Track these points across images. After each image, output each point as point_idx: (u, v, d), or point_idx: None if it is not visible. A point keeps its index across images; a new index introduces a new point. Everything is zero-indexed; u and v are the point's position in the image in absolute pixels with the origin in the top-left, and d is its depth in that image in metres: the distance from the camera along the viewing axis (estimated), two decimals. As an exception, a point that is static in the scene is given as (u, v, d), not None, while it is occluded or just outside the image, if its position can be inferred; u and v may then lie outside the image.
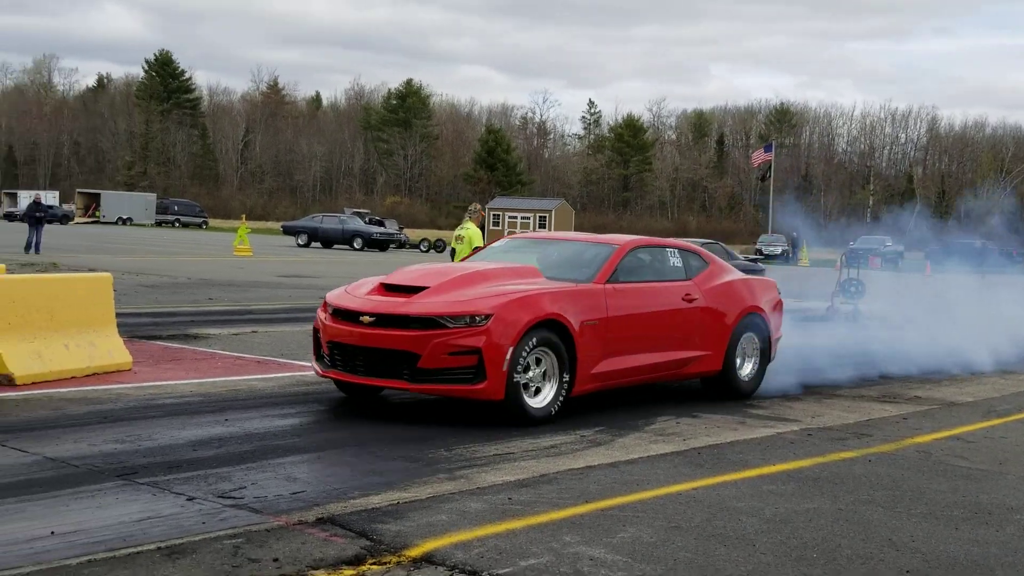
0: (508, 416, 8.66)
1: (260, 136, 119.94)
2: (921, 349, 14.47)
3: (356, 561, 5.24)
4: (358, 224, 57.08)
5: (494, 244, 11.40)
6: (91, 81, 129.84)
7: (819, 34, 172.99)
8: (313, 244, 55.56)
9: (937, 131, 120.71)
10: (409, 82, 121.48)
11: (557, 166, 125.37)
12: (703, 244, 24.15)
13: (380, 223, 61.89)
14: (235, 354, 12.48)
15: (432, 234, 69.78)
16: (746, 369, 11.08)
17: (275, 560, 5.18)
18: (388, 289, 9.21)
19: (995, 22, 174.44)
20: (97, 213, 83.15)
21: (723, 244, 24.59)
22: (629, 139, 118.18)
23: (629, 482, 7.13)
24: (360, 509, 6.13)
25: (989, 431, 9.94)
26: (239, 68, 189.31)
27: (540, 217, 72.71)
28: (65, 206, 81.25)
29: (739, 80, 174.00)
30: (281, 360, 12.19)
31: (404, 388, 8.70)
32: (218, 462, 7.10)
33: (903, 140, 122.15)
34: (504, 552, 5.46)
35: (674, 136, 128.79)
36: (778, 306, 11.70)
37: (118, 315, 11.41)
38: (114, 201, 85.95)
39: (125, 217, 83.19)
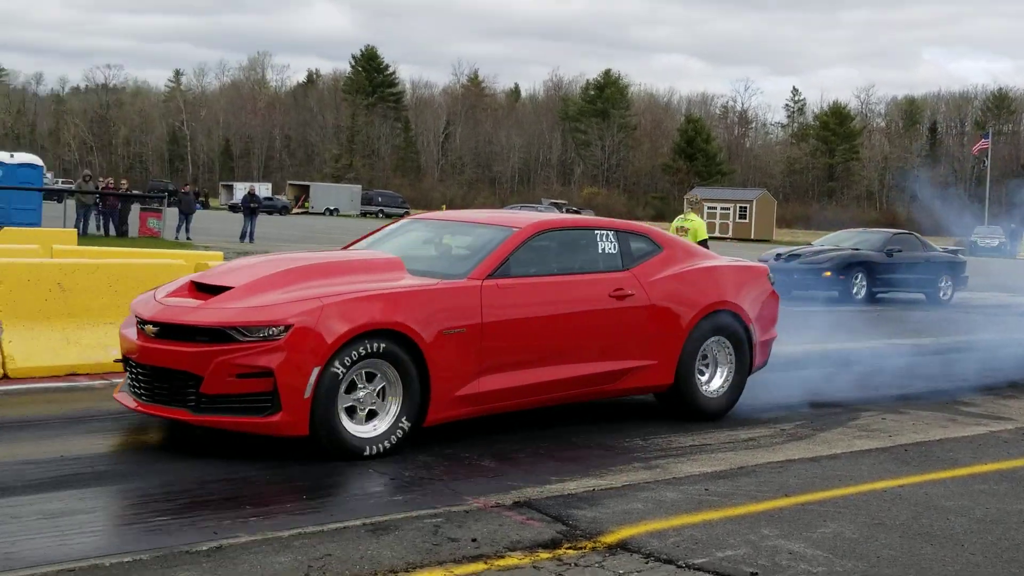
0: (325, 451, 6.70)
1: (460, 128, 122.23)
2: None
3: (552, 545, 5.31)
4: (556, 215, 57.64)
5: (385, 228, 9.07)
6: (301, 77, 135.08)
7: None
8: (512, 234, 56.26)
9: None
10: (607, 72, 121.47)
11: (759, 156, 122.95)
12: (895, 235, 22.93)
13: (577, 213, 62.17)
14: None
15: (629, 225, 69.47)
16: (713, 382, 8.69)
17: (473, 540, 5.30)
18: (198, 288, 7.24)
19: None
20: (306, 204, 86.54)
21: (918, 235, 23.40)
22: (835, 127, 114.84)
23: (831, 477, 6.96)
24: (556, 494, 6.20)
25: None
26: (441, 62, 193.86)
27: (740, 208, 71.43)
28: (280, 198, 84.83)
29: (953, 65, 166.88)
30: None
31: (187, 421, 6.73)
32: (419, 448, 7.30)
33: None
34: (700, 542, 5.42)
35: (883, 124, 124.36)
36: (768, 301, 9.19)
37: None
38: (322, 192, 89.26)
39: (332, 208, 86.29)
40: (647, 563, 5.11)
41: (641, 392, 8.46)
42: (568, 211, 61.79)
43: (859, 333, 14.70)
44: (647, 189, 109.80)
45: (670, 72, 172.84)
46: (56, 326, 9.51)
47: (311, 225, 57.95)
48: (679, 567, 5.07)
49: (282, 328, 6.56)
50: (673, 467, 7.01)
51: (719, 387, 8.70)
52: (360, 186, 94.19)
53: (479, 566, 4.97)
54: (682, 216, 15.50)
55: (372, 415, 6.87)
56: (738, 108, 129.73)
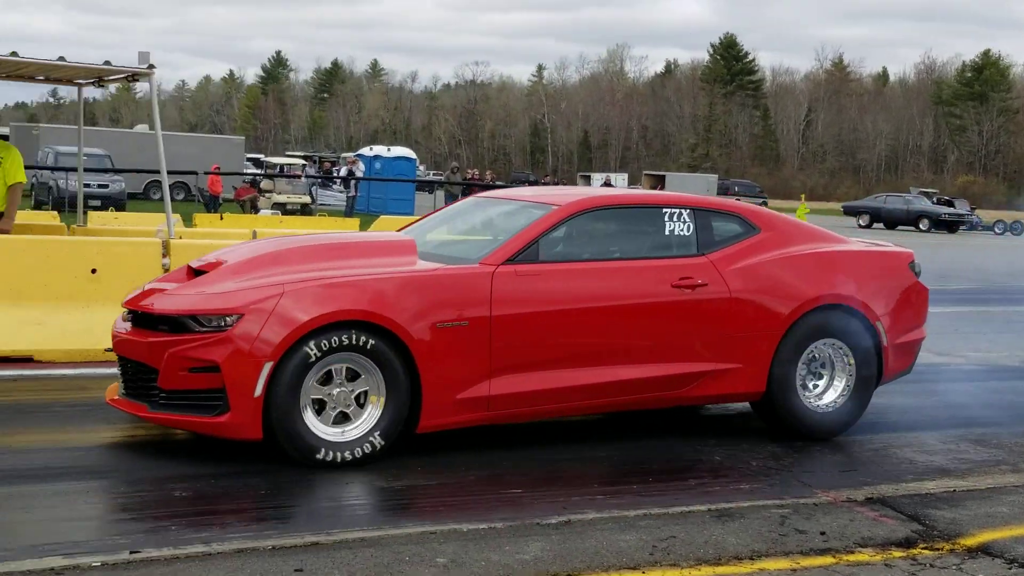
0: (288, 456, 5.92)
1: (822, 115, 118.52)
2: None
3: (906, 544, 5.10)
4: (924, 204, 54.70)
5: (451, 207, 8.36)
6: (659, 67, 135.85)
7: None
8: (875, 225, 54.01)
9: None
10: (986, 52, 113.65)
11: None
12: None
13: (949, 203, 58.69)
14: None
15: (1008, 215, 64.84)
16: (826, 395, 7.15)
17: (822, 533, 5.18)
18: (193, 272, 6.62)
19: None
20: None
21: None
22: None
23: None
24: (913, 493, 5.95)
25: None
26: (802, 47, 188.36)
27: None
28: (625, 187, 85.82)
29: None
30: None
31: (144, 417, 6.11)
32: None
33: None
34: (1074, 554, 5.01)
35: None
36: (908, 295, 7.51)
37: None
38: (678, 182, 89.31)
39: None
40: (1010, 569, 4.79)
41: (721, 401, 7.20)
42: (939, 201, 58.36)
43: None
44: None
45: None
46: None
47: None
48: (1048, 578, 4.72)
49: (235, 317, 5.86)
50: (1046, 472, 6.53)
51: (833, 400, 7.14)
52: (716, 176, 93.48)
53: (827, 559, 4.85)
54: None
55: (345, 417, 6.02)
56: None
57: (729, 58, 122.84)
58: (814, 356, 7.10)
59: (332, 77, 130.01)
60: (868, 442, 7.16)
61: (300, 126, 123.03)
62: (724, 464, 6.47)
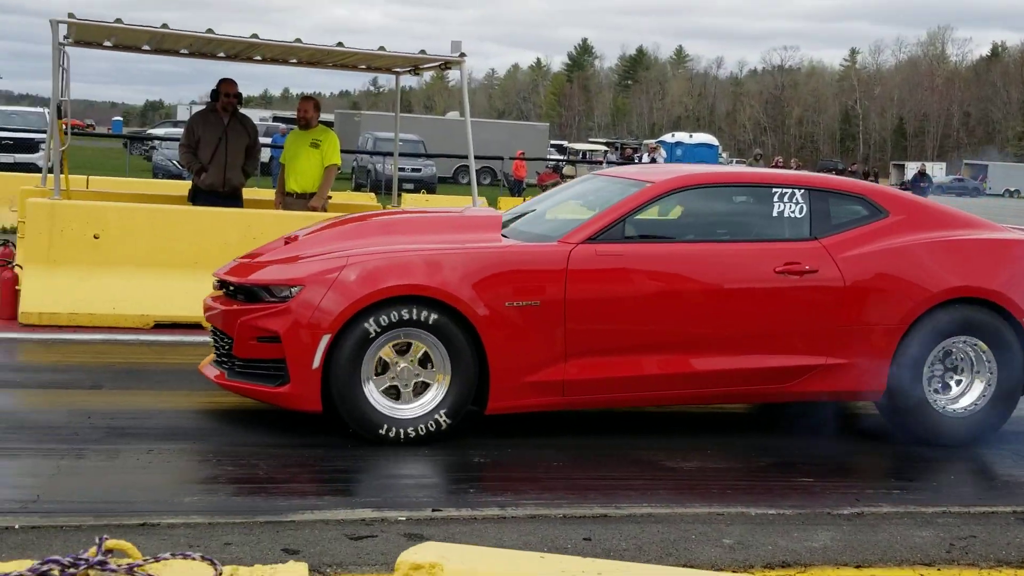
0: (357, 432, 5.81)
1: None
2: None
3: None
4: None
5: (576, 182, 7.93)
6: (984, 50, 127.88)
7: None
8: None
9: None
10: None
11: None
12: None
13: None
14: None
15: None
16: (963, 398, 6.42)
17: None
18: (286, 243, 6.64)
19: None
20: (984, 184, 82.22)
21: None
22: None
23: None
24: None
25: None
26: None
27: None
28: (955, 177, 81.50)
29: None
30: None
31: (221, 385, 6.13)
32: None
33: None
34: None
35: None
36: None
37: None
38: (1001, 172, 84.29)
39: (1012, 189, 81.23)
40: None
41: (834, 399, 6.59)
42: None
43: None
44: None
45: None
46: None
47: (985, 206, 54.85)
48: None
49: (297, 288, 5.82)
50: None
51: (970, 404, 6.41)
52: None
53: None
54: None
55: (410, 393, 5.86)
56: None
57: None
58: (947, 355, 6.43)
59: (636, 64, 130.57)
60: None
61: (603, 113, 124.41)
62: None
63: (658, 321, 6.09)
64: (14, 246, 9.56)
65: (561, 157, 46.02)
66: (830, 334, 6.24)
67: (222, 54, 10.54)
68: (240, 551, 4.21)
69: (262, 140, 12.98)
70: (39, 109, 29.71)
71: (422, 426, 5.81)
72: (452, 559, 2.30)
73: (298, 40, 9.70)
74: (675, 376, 6.13)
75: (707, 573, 2.31)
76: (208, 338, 6.66)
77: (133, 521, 4.36)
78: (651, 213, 6.45)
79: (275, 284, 5.91)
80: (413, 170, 33.41)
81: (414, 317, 5.76)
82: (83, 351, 7.95)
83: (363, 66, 11.27)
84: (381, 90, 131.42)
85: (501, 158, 33.04)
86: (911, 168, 79.34)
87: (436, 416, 5.82)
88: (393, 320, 5.74)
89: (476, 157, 10.83)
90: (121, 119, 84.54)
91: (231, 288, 6.15)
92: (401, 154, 15.30)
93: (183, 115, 60.94)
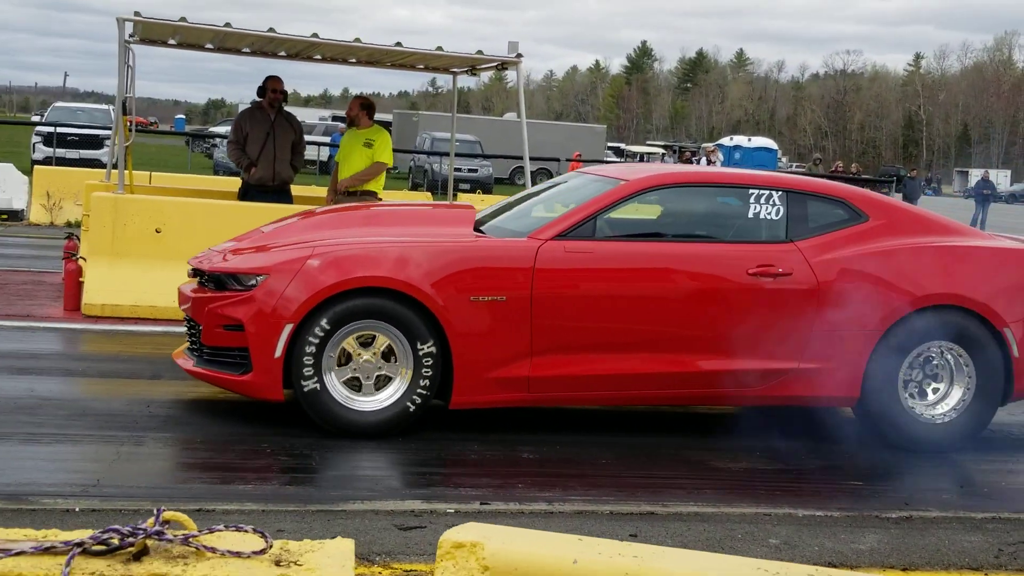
0: (320, 423, 5.79)
1: None
2: None
3: None
4: None
5: (559, 180, 7.65)
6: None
7: None
8: None
9: None
10: None
11: None
12: None
13: None
14: None
15: None
16: (939, 405, 6.29)
17: None
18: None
19: None
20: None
21: None
22: None
23: None
24: None
25: None
26: None
27: None
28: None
29: None
30: None
31: (188, 372, 6.14)
32: None
33: None
34: None
35: None
36: None
37: None
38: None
39: (1078, 197, 79.76)
40: None
41: (809, 403, 6.41)
42: None
43: None
44: None
45: None
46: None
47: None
48: None
49: (262, 277, 5.82)
50: None
51: (946, 412, 6.29)
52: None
53: None
54: None
55: (371, 385, 5.82)
56: None
57: None
58: (926, 362, 6.30)
59: (696, 67, 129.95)
60: None
61: (662, 115, 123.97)
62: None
63: (626, 320, 6.04)
64: (79, 239, 9.78)
65: (618, 159, 45.94)
66: (803, 338, 6.13)
67: (283, 53, 10.71)
68: (292, 538, 4.30)
69: (322, 139, 13.13)
70: (104, 106, 30.31)
71: (384, 418, 5.81)
72: (493, 539, 2.36)
73: (357, 40, 9.81)
74: (643, 376, 6.05)
75: (746, 559, 2.34)
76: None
77: (190, 506, 4.47)
78: (627, 212, 6.42)
79: (242, 273, 5.92)
80: (469, 170, 33.55)
81: (377, 308, 5.76)
82: (144, 342, 8.13)
83: (421, 66, 11.37)
84: (440, 91, 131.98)
85: (557, 160, 33.02)
86: (975, 175, 78.25)
87: (404, 405, 5.80)
88: (357, 311, 5.74)
89: (532, 158, 10.90)
90: (183, 117, 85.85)
91: (204, 277, 6.17)
92: (458, 154, 15.42)
93: (244, 114, 61.56)
